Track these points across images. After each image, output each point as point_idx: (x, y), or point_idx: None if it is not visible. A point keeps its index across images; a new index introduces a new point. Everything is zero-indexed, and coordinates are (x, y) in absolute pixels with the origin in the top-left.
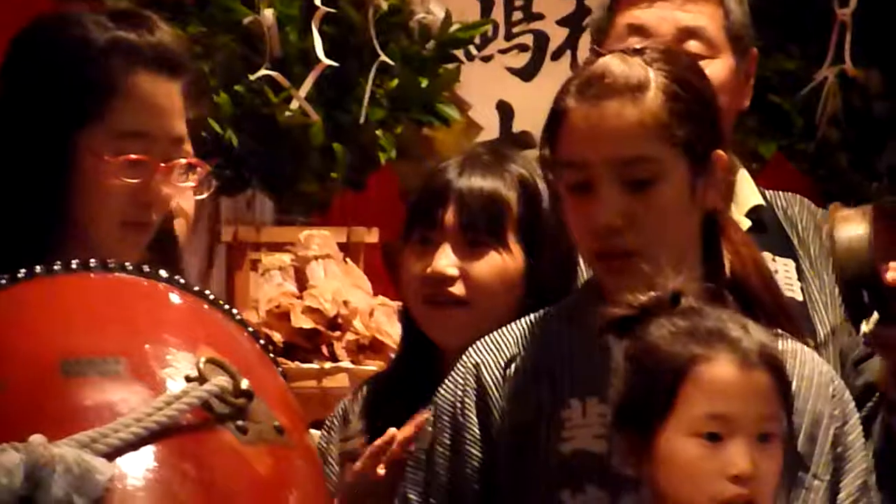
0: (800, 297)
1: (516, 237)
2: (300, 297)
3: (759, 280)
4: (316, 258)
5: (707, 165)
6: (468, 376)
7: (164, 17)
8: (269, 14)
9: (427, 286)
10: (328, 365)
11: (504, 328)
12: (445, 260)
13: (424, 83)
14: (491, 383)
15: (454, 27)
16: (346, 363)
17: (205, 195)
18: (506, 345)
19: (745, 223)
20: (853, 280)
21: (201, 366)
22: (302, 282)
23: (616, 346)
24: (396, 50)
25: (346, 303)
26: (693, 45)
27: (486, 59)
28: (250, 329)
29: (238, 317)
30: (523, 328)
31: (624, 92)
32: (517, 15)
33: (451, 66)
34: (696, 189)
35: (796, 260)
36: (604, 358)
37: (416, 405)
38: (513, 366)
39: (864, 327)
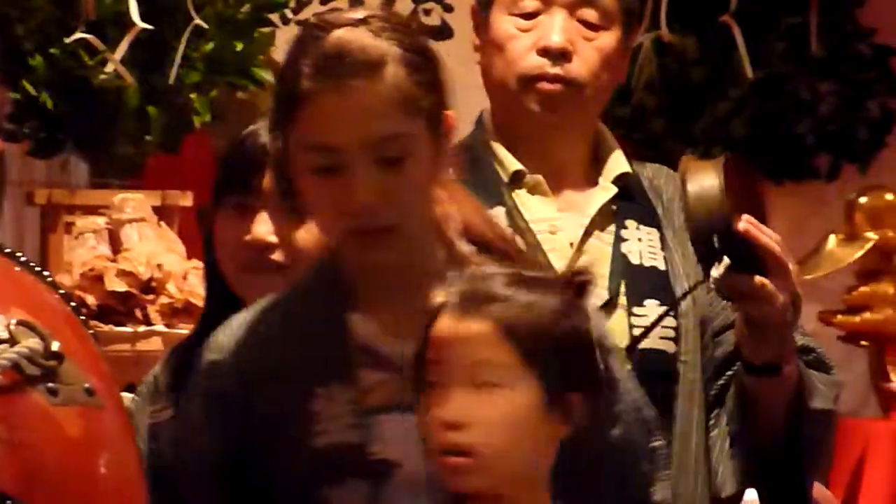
0: (662, 267)
1: None
2: (114, 261)
3: (489, 228)
4: (130, 221)
5: (443, 131)
6: (210, 369)
7: None
8: None
9: (246, 252)
10: (142, 328)
11: (245, 314)
12: (265, 227)
13: (239, 46)
14: (229, 383)
15: None
16: (159, 326)
17: None
18: (251, 334)
19: (612, 189)
20: (704, 227)
21: (12, 327)
22: (116, 245)
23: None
24: (211, 13)
25: (159, 266)
26: (588, 13)
27: (301, 22)
28: (62, 291)
29: (50, 279)
30: (265, 315)
31: (367, 69)
32: None
33: (266, 29)
34: (439, 157)
35: (660, 229)
36: (345, 345)
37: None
38: (258, 355)
39: (714, 272)
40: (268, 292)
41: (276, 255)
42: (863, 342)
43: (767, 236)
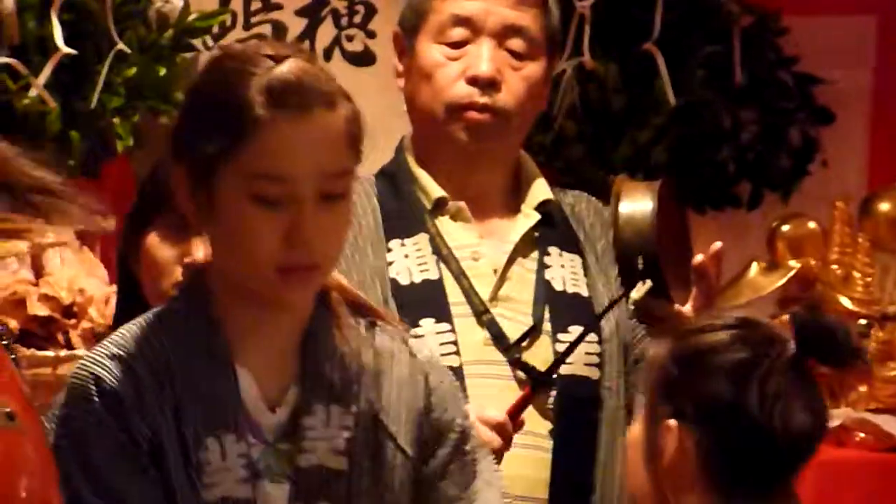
0: (585, 293)
1: None
2: (36, 285)
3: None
4: (52, 246)
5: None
6: (90, 391)
7: None
8: (8, 2)
9: (185, 273)
10: (63, 353)
11: (123, 330)
12: (204, 250)
13: (162, 72)
14: (116, 408)
15: (192, 16)
16: (81, 350)
17: None
18: (128, 352)
19: (535, 216)
20: (631, 249)
21: None
22: (38, 269)
23: (243, 375)
24: (134, 38)
25: (81, 291)
26: (515, 43)
27: (237, 49)
28: None
29: None
30: (136, 333)
31: (325, 101)
32: (256, 5)
33: (188, 55)
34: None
35: (582, 256)
36: (231, 387)
37: None
38: (136, 387)
39: (634, 294)
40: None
41: None
42: None
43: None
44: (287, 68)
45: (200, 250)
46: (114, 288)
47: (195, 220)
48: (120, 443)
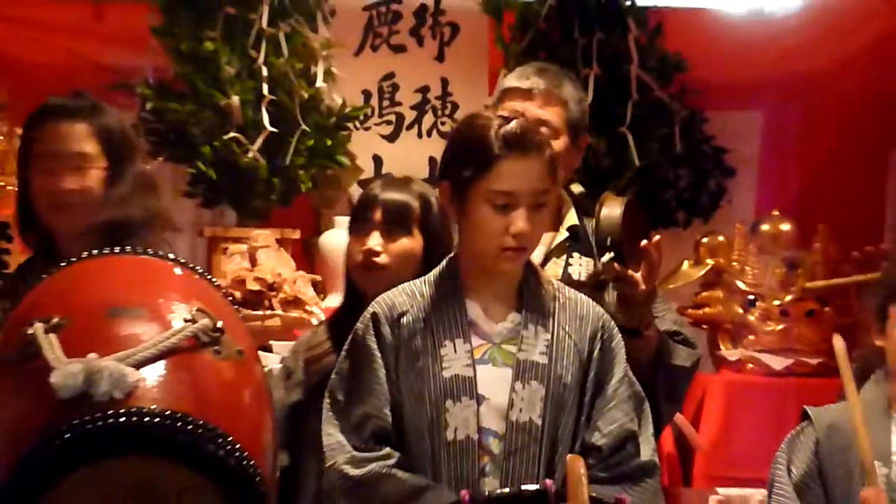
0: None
1: (418, 229)
2: (251, 271)
3: None
4: (261, 248)
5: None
6: (368, 323)
7: (173, 99)
8: (235, 99)
9: (364, 258)
10: (267, 313)
11: (396, 289)
12: (374, 241)
13: (329, 143)
14: (386, 328)
15: (347, 109)
16: (278, 311)
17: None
18: (398, 302)
19: (565, 234)
20: (605, 234)
21: (193, 312)
22: (253, 262)
23: (471, 305)
24: (312, 121)
25: (279, 275)
26: (544, 130)
27: (366, 128)
28: (222, 290)
29: (215, 282)
30: (411, 290)
31: (538, 146)
32: (385, 103)
33: (345, 132)
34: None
35: (594, 258)
36: (460, 312)
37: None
38: (403, 318)
39: (604, 259)
40: (376, 282)
41: (380, 259)
42: (703, 326)
43: (651, 259)
44: (513, 125)
45: (372, 241)
46: (299, 273)
47: (455, 217)
48: (372, 354)
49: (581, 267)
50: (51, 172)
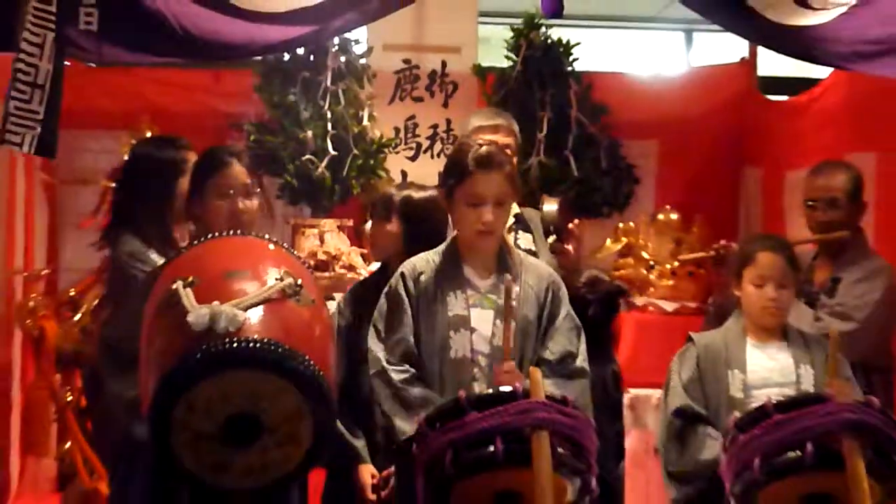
0: (534, 248)
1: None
2: (321, 247)
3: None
4: (327, 231)
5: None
6: (399, 278)
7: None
8: (309, 133)
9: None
10: (332, 274)
11: (417, 256)
12: (489, 216)
13: (372, 162)
14: (410, 282)
15: (384, 140)
16: (339, 272)
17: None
18: (418, 265)
19: (512, 220)
20: (546, 222)
21: (281, 273)
22: (322, 241)
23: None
24: (361, 148)
25: (338, 249)
26: (508, 152)
27: (396, 153)
28: (301, 259)
29: (297, 254)
30: (427, 258)
31: (499, 165)
32: (409, 135)
33: (382, 155)
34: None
35: (532, 234)
36: (459, 273)
37: (381, 288)
38: (422, 276)
39: (550, 240)
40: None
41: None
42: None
43: (576, 237)
44: (483, 150)
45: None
46: (353, 249)
47: (448, 211)
48: (402, 299)
49: (520, 240)
50: (229, 198)
